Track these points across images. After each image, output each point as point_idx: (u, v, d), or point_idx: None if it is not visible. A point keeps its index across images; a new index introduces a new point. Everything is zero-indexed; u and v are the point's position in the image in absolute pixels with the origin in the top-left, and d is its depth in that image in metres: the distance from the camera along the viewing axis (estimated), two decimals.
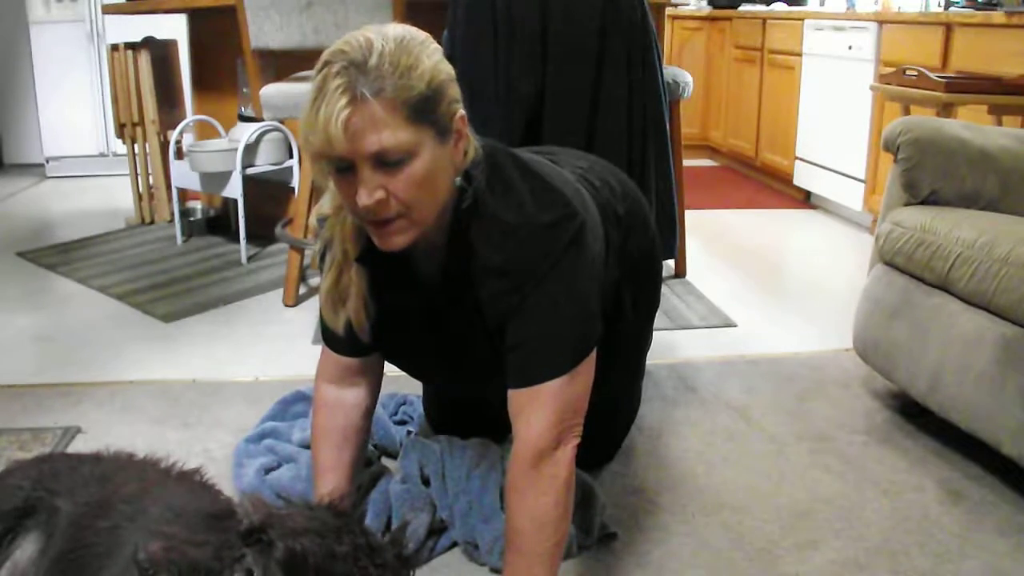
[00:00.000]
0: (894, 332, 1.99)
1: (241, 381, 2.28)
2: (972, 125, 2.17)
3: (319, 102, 1.14)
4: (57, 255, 3.45)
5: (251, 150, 3.26)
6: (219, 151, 3.27)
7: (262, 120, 3.11)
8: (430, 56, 1.20)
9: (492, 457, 1.63)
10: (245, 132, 3.25)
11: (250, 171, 3.27)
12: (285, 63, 3.02)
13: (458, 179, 1.28)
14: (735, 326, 2.71)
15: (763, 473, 1.82)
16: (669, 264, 3.17)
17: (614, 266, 1.54)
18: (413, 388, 1.96)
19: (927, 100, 2.83)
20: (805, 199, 4.55)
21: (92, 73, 5.08)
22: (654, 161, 2.30)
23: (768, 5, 5.31)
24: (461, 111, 1.25)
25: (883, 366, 2.05)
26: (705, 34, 5.67)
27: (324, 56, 1.18)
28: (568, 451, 1.29)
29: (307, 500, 1.01)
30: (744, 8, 5.36)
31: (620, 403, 1.81)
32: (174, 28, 4.13)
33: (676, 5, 5.10)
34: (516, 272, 1.29)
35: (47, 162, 5.17)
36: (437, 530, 1.57)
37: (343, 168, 1.19)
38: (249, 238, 3.35)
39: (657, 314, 1.84)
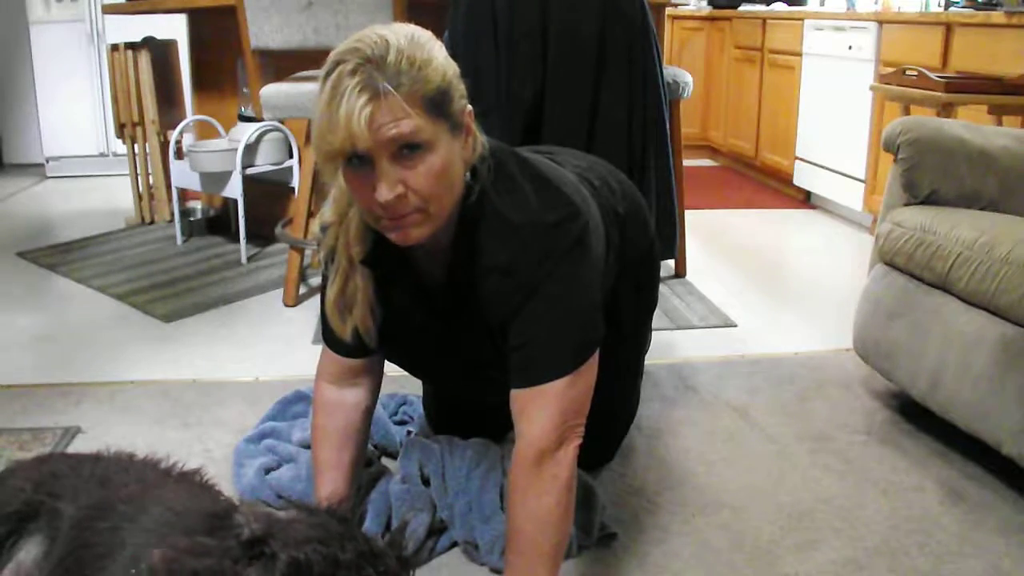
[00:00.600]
0: (894, 332, 1.99)
1: (241, 381, 2.28)
2: (972, 125, 2.17)
3: (336, 101, 1.14)
4: (57, 255, 3.45)
5: (251, 150, 3.26)
6: (219, 151, 3.27)
7: (262, 120, 3.11)
8: (440, 51, 1.22)
9: (492, 457, 1.63)
10: (245, 132, 3.25)
11: (250, 171, 3.27)
12: (285, 63, 3.02)
13: (468, 174, 1.28)
14: (735, 326, 2.71)
15: (763, 473, 1.82)
16: (669, 264, 3.17)
17: (614, 266, 1.54)
18: (413, 388, 1.96)
19: (927, 100, 2.83)
20: (805, 199, 4.55)
21: (92, 73, 5.08)
22: (654, 161, 2.30)
23: (768, 5, 5.31)
24: (469, 106, 1.26)
25: (883, 366, 2.05)
26: (705, 34, 5.67)
27: (333, 57, 1.18)
28: (570, 451, 1.29)
29: (307, 503, 1.01)
30: (744, 8, 5.36)
31: (620, 403, 1.81)
32: (174, 28, 4.13)
33: (676, 5, 5.10)
34: (520, 271, 1.29)
35: (47, 162, 5.17)
36: (437, 530, 1.57)
37: (359, 166, 1.18)
38: (249, 238, 3.35)
39: (657, 314, 1.84)
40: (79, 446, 1.89)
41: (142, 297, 2.93)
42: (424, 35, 1.22)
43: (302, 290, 2.96)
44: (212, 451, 1.89)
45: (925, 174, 2.03)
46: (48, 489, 1.19)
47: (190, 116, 3.92)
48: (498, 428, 1.69)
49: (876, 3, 4.54)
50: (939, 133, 2.05)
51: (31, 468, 1.26)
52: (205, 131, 3.76)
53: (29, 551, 1.16)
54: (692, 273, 3.21)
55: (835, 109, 4.10)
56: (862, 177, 3.88)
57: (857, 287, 2.24)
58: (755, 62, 4.97)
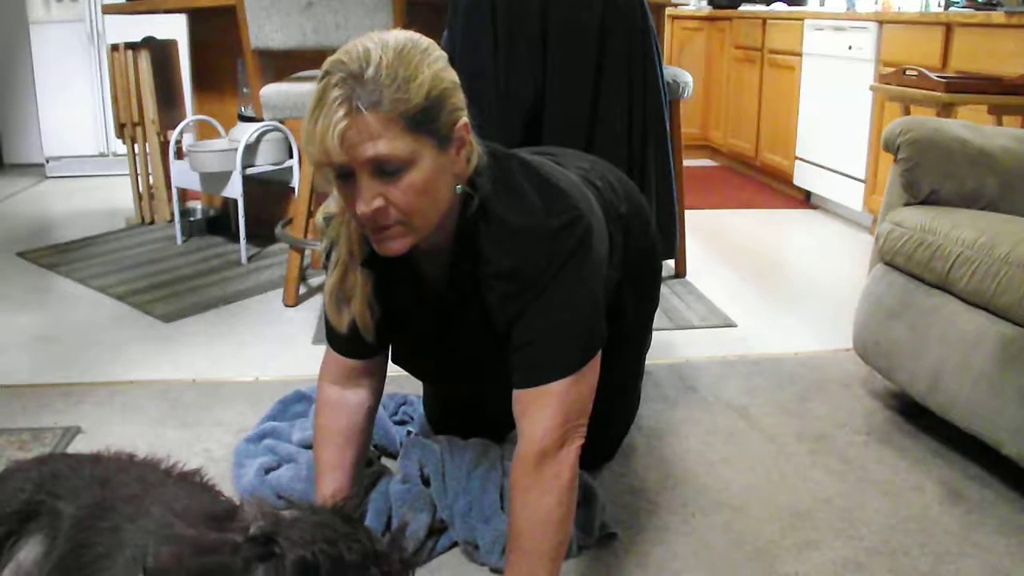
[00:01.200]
0: (894, 332, 1.99)
1: (241, 381, 2.28)
2: (972, 125, 2.17)
3: (318, 112, 1.15)
4: (57, 255, 3.45)
5: (251, 150, 3.26)
6: (219, 151, 3.27)
7: (262, 120, 3.11)
8: (430, 65, 1.19)
9: (492, 457, 1.63)
10: (245, 132, 3.25)
11: (250, 171, 3.27)
12: (285, 63, 3.02)
13: (459, 187, 1.28)
14: (735, 326, 2.71)
15: (763, 473, 1.82)
16: (669, 264, 3.17)
17: (617, 266, 1.55)
18: (413, 388, 1.96)
19: (927, 100, 2.83)
20: (805, 199, 4.55)
21: (92, 73, 5.08)
22: (654, 161, 2.30)
23: (768, 5, 5.31)
24: (464, 119, 1.24)
25: (883, 366, 2.05)
26: (705, 34, 5.67)
27: (325, 65, 1.19)
28: (572, 451, 1.29)
29: (311, 502, 1.01)
30: (744, 8, 5.36)
31: (620, 403, 1.81)
32: (174, 28, 4.13)
33: (676, 5, 5.10)
34: (524, 276, 1.29)
35: (47, 162, 5.17)
36: (437, 530, 1.57)
37: (344, 176, 1.19)
38: (249, 238, 3.35)
39: (657, 314, 1.84)
40: (79, 446, 1.89)
41: (142, 297, 2.93)
42: (417, 46, 1.20)
43: (302, 290, 2.96)
44: (212, 451, 1.89)
45: (925, 174, 2.03)
46: (48, 489, 1.19)
47: (190, 116, 3.92)
48: (498, 428, 1.69)
49: (876, 3, 4.53)
50: (939, 133, 2.05)
51: (31, 468, 1.26)
52: (205, 131, 3.77)
53: (29, 551, 1.16)
54: (692, 273, 3.21)
55: (835, 109, 4.10)
56: (862, 177, 3.88)
57: (857, 287, 2.24)
58: (755, 62, 4.97)
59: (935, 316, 1.88)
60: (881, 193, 2.42)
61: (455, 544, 1.56)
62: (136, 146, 4.00)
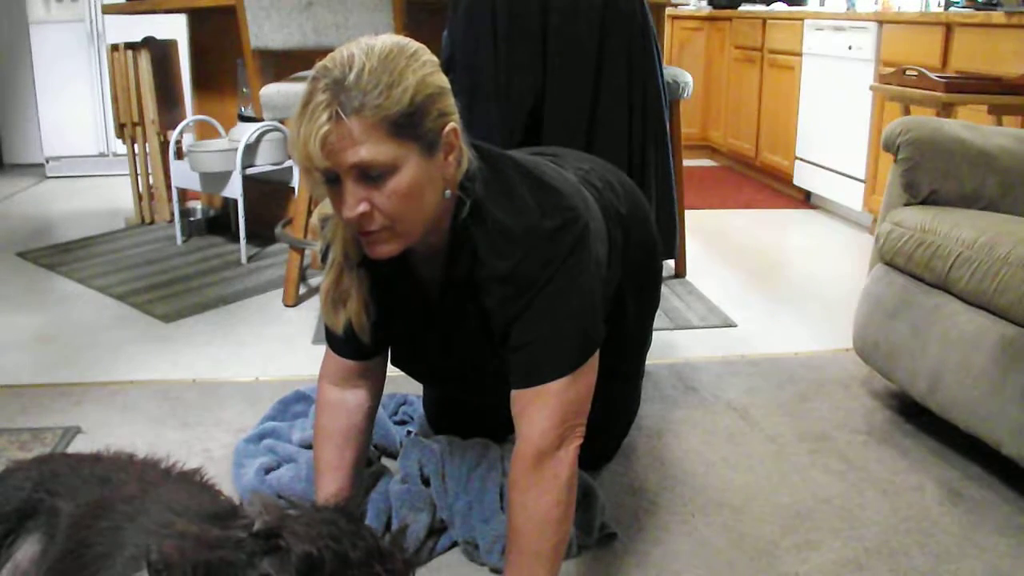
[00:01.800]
0: (894, 332, 1.99)
1: (241, 381, 2.28)
2: (972, 125, 2.17)
3: (302, 118, 1.16)
4: (57, 255, 3.45)
5: (251, 150, 3.26)
6: (219, 151, 3.27)
7: (262, 120, 3.11)
8: (416, 71, 1.19)
9: (492, 457, 1.63)
10: (245, 132, 3.25)
11: (250, 171, 3.27)
12: (285, 63, 3.02)
13: (448, 192, 1.27)
14: (735, 326, 2.71)
15: (763, 473, 1.82)
16: (669, 264, 3.17)
17: (617, 266, 1.54)
18: (413, 388, 1.96)
19: (927, 100, 2.83)
20: (805, 199, 4.55)
21: (92, 73, 5.08)
22: (654, 161, 2.30)
23: (768, 5, 5.31)
24: (452, 124, 1.23)
25: (883, 366, 2.05)
26: (705, 34, 5.67)
27: (313, 70, 1.19)
28: (571, 451, 1.29)
29: (313, 501, 1.01)
30: (744, 8, 5.36)
31: (620, 403, 1.81)
32: (174, 28, 4.13)
33: (676, 5, 5.10)
34: (521, 279, 1.29)
35: (47, 162, 5.17)
36: (437, 530, 1.57)
37: (331, 180, 1.20)
38: (249, 238, 3.35)
39: (657, 314, 1.84)
40: (79, 446, 1.89)
41: (142, 297, 2.94)
42: (404, 51, 1.20)
43: (302, 290, 2.96)
44: (212, 451, 1.89)
45: (925, 174, 2.03)
46: (47, 487, 1.19)
47: (190, 116, 3.92)
48: (498, 428, 1.69)
49: (876, 3, 4.54)
50: (939, 133, 2.05)
51: (31, 467, 1.26)
52: (205, 131, 3.77)
53: (27, 550, 1.16)
54: (692, 273, 3.21)
55: (835, 109, 4.10)
56: (862, 177, 3.88)
57: (857, 287, 2.24)
58: (755, 62, 4.97)
59: (935, 316, 1.88)
60: (881, 193, 2.42)
61: (455, 544, 1.56)
62: (136, 146, 4.00)
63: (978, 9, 3.27)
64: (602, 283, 1.42)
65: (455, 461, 1.62)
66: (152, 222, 4.02)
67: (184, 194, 3.75)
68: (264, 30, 2.78)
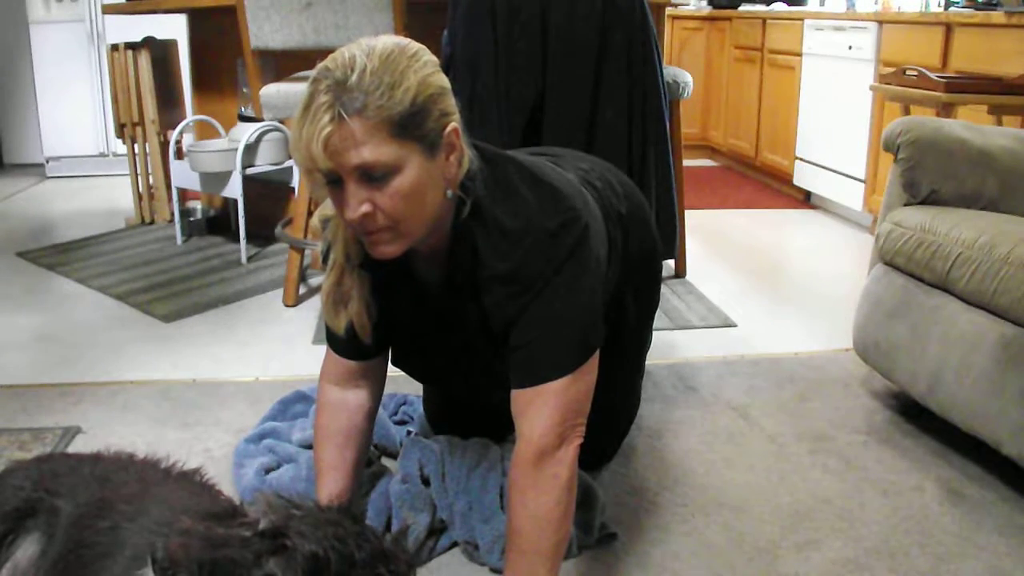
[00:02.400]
0: (894, 332, 1.99)
1: (241, 381, 2.28)
2: (972, 125, 2.17)
3: (304, 119, 1.16)
4: (57, 255, 3.45)
5: (251, 150, 3.26)
6: (219, 151, 3.27)
7: (262, 120, 3.11)
8: (417, 71, 1.19)
9: (492, 457, 1.63)
10: (245, 132, 3.25)
11: (250, 171, 3.27)
12: (285, 63, 3.02)
13: (450, 192, 1.27)
14: (735, 326, 2.71)
15: (763, 473, 1.82)
16: (669, 264, 3.17)
17: (617, 266, 1.54)
18: (413, 388, 1.96)
19: (927, 100, 2.83)
20: (805, 199, 4.55)
21: (92, 73, 5.08)
22: (654, 161, 2.30)
23: (768, 5, 5.31)
24: (453, 124, 1.24)
25: (883, 366, 2.05)
26: (705, 34, 5.67)
27: (314, 72, 1.19)
28: (571, 451, 1.29)
29: (316, 501, 1.01)
30: (744, 8, 5.36)
31: (620, 403, 1.81)
32: (174, 28, 4.13)
33: (676, 5, 5.10)
34: (521, 279, 1.30)
35: (47, 162, 5.17)
36: (437, 530, 1.57)
37: (333, 181, 1.20)
38: (249, 238, 3.35)
39: (657, 314, 1.84)
40: (79, 446, 1.89)
41: (142, 297, 2.94)
42: (405, 52, 1.20)
43: (302, 290, 2.96)
44: (212, 451, 1.89)
45: (925, 174, 2.03)
46: (47, 487, 1.19)
47: (190, 116, 3.92)
48: (498, 428, 1.69)
49: (876, 3, 4.54)
50: (939, 133, 2.05)
51: (30, 467, 1.26)
52: (205, 131, 3.77)
53: (26, 549, 1.16)
54: (692, 273, 3.21)
55: (835, 109, 4.10)
56: (862, 177, 3.88)
57: (857, 287, 2.24)
58: (755, 62, 4.97)
59: (935, 316, 1.88)
60: (881, 193, 2.42)
61: (455, 544, 1.56)
62: (136, 146, 4.00)
63: (978, 9, 3.27)
64: (602, 283, 1.42)
65: (455, 461, 1.62)
66: (152, 222, 4.02)
67: (184, 194, 3.75)
68: (264, 30, 2.78)
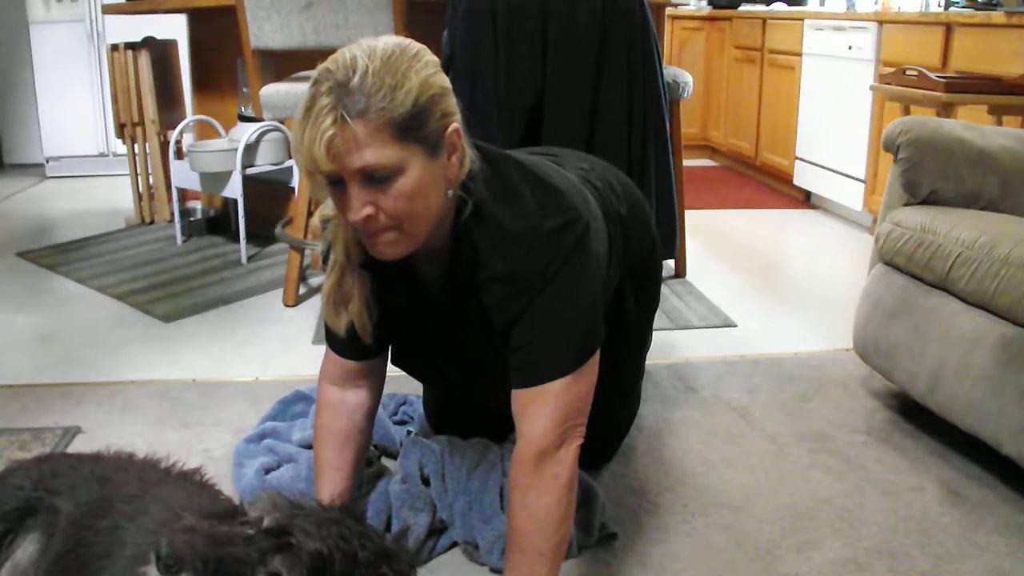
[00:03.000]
0: (894, 332, 1.99)
1: (241, 381, 2.28)
2: (972, 125, 2.17)
3: (305, 122, 1.16)
4: (57, 255, 3.45)
5: (251, 150, 3.26)
6: (219, 151, 3.27)
7: (262, 120, 3.11)
8: (419, 72, 1.18)
9: (492, 457, 1.63)
10: (245, 132, 3.25)
11: (250, 171, 3.27)
12: (285, 63, 3.02)
13: (451, 192, 1.27)
14: (735, 326, 2.71)
15: (763, 473, 1.82)
16: (669, 264, 3.17)
17: (617, 266, 1.55)
18: (413, 388, 1.96)
19: (927, 100, 2.83)
20: (805, 199, 4.55)
21: (92, 73, 5.08)
22: (654, 161, 2.30)
23: (768, 5, 5.31)
24: (455, 124, 1.23)
25: (883, 366, 2.05)
26: (705, 34, 5.67)
27: (315, 73, 1.19)
28: (571, 451, 1.29)
29: (318, 500, 1.01)
30: (744, 8, 5.36)
31: (621, 403, 1.81)
32: (174, 28, 4.13)
33: (676, 5, 5.10)
34: (522, 280, 1.30)
35: (47, 162, 5.17)
36: (437, 530, 1.57)
37: (335, 182, 1.20)
38: (249, 238, 3.35)
39: (657, 314, 1.84)
40: (79, 446, 1.89)
41: (142, 297, 2.93)
42: (406, 52, 1.20)
43: (302, 290, 2.96)
44: (212, 451, 1.89)
45: (925, 174, 2.03)
46: (47, 486, 1.19)
47: (190, 116, 3.92)
48: (498, 428, 1.69)
49: (876, 3, 4.54)
50: (939, 133, 2.05)
51: (30, 467, 1.26)
52: (205, 131, 3.77)
53: (26, 549, 1.16)
54: (692, 273, 3.21)
55: (835, 109, 4.10)
56: (862, 177, 3.88)
57: (857, 287, 2.24)
58: (755, 62, 4.97)
59: (935, 316, 1.88)
60: (881, 193, 2.42)
61: (455, 544, 1.56)
62: (136, 146, 4.00)
63: (978, 9, 3.27)
64: (603, 283, 1.42)
65: (455, 461, 1.62)
66: (152, 222, 4.02)
67: (184, 194, 3.75)
68: (264, 30, 2.78)
